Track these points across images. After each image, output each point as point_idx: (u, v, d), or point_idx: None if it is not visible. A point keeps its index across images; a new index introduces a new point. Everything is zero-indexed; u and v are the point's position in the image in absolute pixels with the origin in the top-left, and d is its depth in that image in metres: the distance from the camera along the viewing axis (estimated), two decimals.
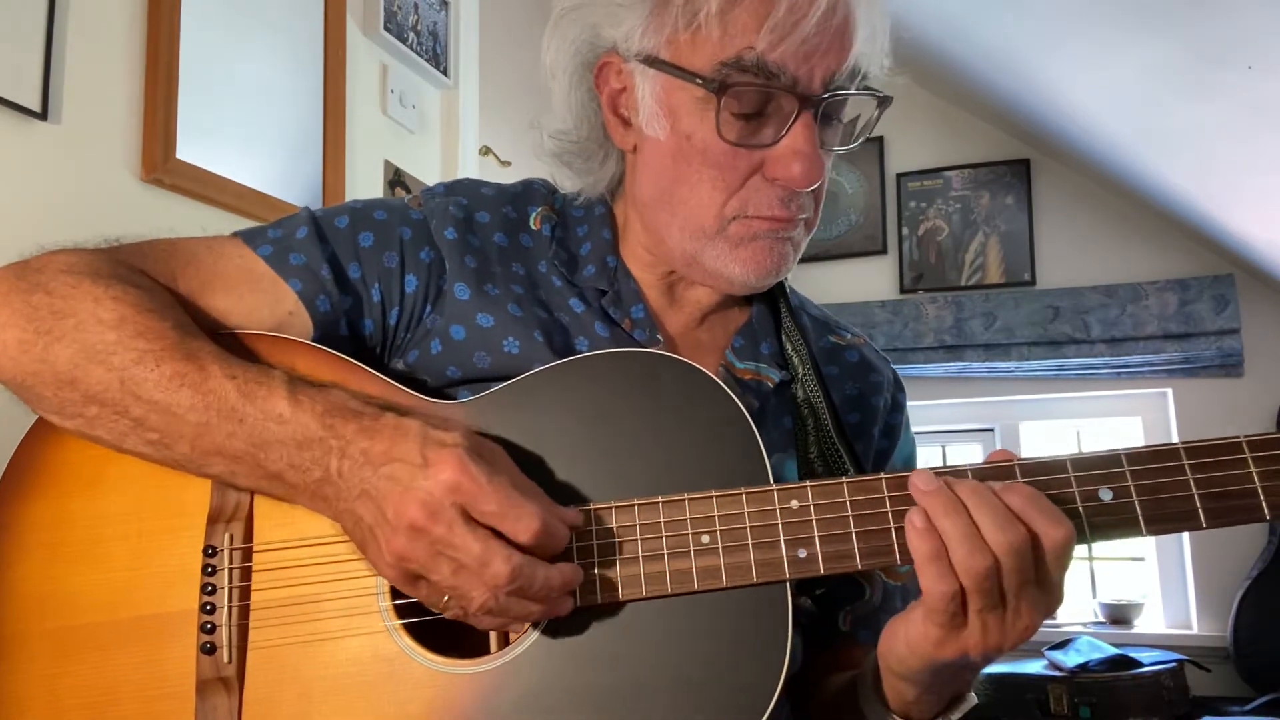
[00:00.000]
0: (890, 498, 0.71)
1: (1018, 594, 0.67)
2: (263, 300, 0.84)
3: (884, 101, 0.86)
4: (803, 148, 0.81)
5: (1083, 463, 0.70)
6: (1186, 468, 0.69)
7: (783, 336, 0.96)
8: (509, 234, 0.92)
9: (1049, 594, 0.68)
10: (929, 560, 0.67)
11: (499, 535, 0.68)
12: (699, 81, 0.81)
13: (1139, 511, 0.69)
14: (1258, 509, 0.68)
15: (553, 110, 0.93)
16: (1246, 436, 0.69)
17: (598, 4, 0.86)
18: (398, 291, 0.87)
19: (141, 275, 0.81)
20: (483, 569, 0.67)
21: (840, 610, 0.96)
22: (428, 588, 0.70)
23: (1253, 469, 0.68)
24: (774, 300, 0.98)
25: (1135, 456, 0.70)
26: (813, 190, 0.85)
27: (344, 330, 0.86)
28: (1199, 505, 0.68)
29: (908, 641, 0.71)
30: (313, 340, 0.84)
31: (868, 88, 0.85)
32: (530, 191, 0.96)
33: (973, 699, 0.79)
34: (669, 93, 0.84)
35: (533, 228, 0.93)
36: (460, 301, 0.87)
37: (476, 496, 0.67)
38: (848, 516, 0.72)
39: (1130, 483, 0.69)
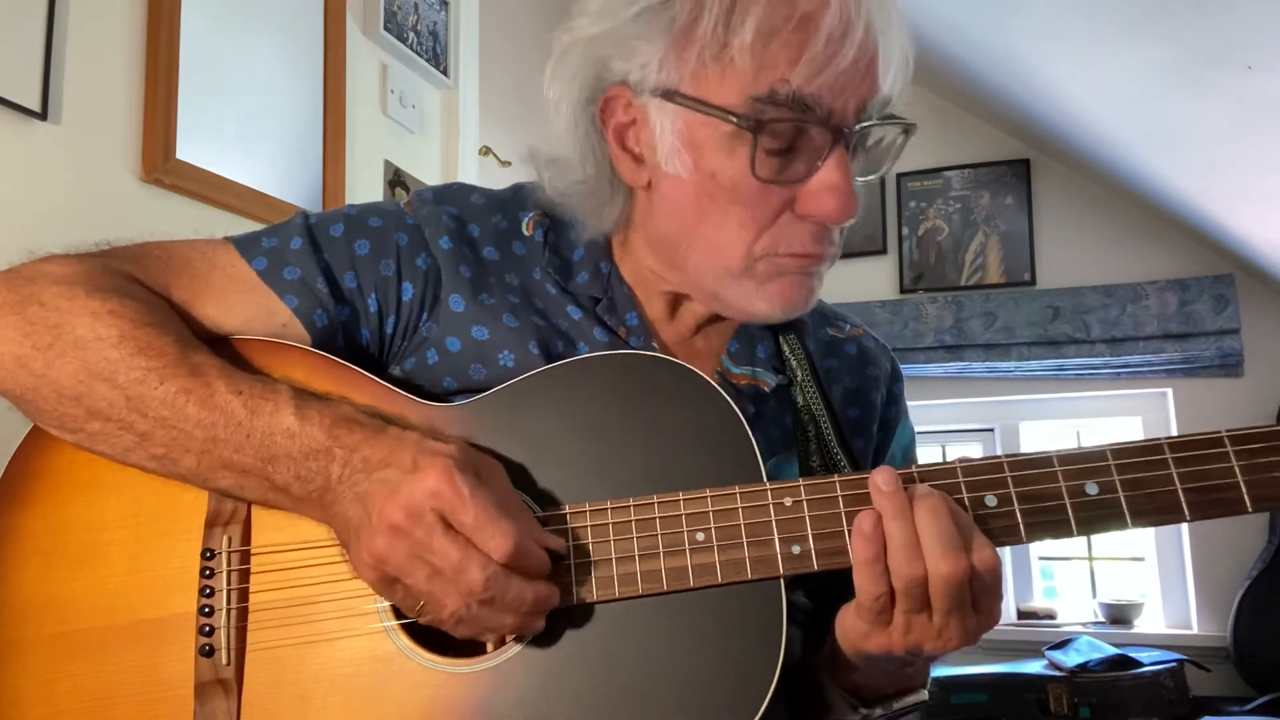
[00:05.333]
0: None
1: (946, 614, 0.70)
2: (256, 313, 0.83)
3: (910, 129, 0.83)
4: (838, 182, 0.78)
5: (1069, 458, 0.71)
6: (1170, 462, 0.70)
7: (779, 339, 0.95)
8: (500, 246, 0.90)
9: (982, 616, 0.72)
10: (867, 562, 0.70)
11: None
12: (732, 119, 0.76)
13: (1124, 505, 0.70)
14: (1240, 501, 0.69)
15: (553, 144, 0.90)
16: (1228, 430, 0.70)
17: (608, 36, 0.81)
18: (394, 300, 0.86)
19: (136, 284, 0.80)
20: (458, 576, 0.68)
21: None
22: (403, 592, 0.70)
23: (1234, 462, 0.69)
24: None
25: (1120, 451, 0.71)
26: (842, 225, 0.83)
27: (340, 342, 0.86)
28: (1182, 498, 0.70)
29: (841, 628, 0.75)
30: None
31: (893, 115, 0.82)
32: (521, 196, 0.94)
33: (922, 694, 0.83)
34: (691, 129, 0.79)
35: (525, 233, 0.91)
36: (455, 313, 0.86)
37: (456, 506, 0.68)
38: (840, 513, 0.72)
39: (1115, 477, 0.71)
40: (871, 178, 0.86)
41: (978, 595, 0.70)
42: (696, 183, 0.80)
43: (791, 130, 0.77)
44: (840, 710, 0.84)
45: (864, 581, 0.70)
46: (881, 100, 0.79)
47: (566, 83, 0.86)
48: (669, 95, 0.79)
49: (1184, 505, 0.69)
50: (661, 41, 0.79)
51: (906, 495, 0.70)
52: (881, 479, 0.71)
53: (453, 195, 0.92)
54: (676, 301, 0.91)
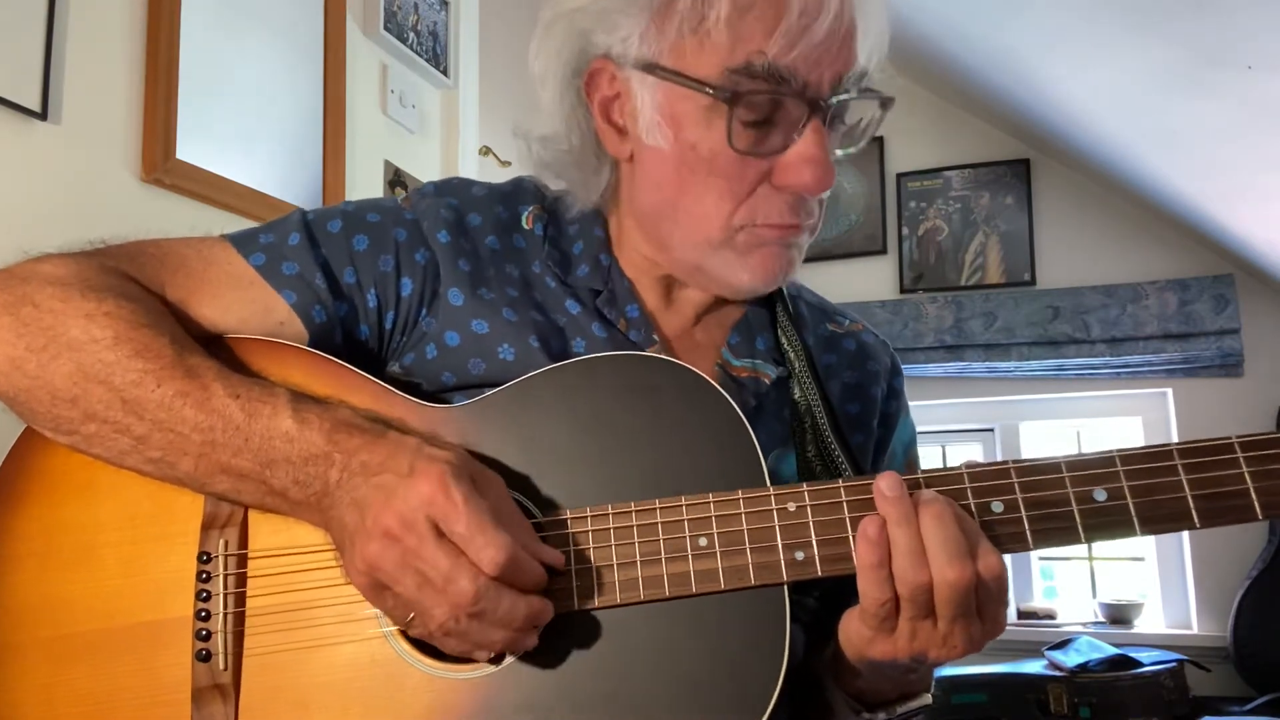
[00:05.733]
0: None
1: (951, 621, 0.69)
2: (253, 310, 0.83)
3: (887, 103, 0.85)
4: (815, 154, 0.80)
5: (1077, 464, 0.71)
6: (1180, 468, 0.69)
7: (779, 330, 0.95)
8: (501, 236, 0.90)
9: (987, 624, 0.71)
10: (872, 567, 0.69)
11: None
12: (709, 90, 0.78)
13: (1133, 512, 0.69)
14: (1250, 509, 0.68)
15: (541, 119, 0.91)
16: (1239, 437, 0.69)
17: (590, 9, 0.83)
18: (393, 295, 0.86)
19: (131, 284, 0.80)
20: (447, 585, 0.66)
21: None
22: (393, 600, 0.69)
23: (1245, 469, 0.68)
24: (769, 293, 0.96)
25: (1129, 457, 0.70)
26: (819, 196, 0.84)
27: (339, 339, 0.85)
28: (1192, 505, 0.69)
29: (845, 634, 0.74)
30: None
31: (870, 89, 0.83)
32: (521, 190, 0.95)
33: (926, 698, 0.82)
34: (671, 101, 0.81)
35: (525, 227, 0.92)
36: (454, 307, 0.86)
37: (450, 514, 0.67)
38: (844, 519, 0.72)
39: (1124, 483, 0.70)
40: (852, 150, 0.88)
41: (983, 603, 0.70)
42: (677, 154, 0.82)
43: (768, 102, 0.79)
44: (843, 714, 0.83)
45: (868, 587, 0.70)
46: (858, 73, 0.81)
47: (551, 56, 0.87)
48: (649, 68, 0.81)
49: (1194, 512, 0.68)
50: (642, 15, 0.81)
51: (911, 501, 0.70)
52: (886, 484, 0.70)
53: (453, 188, 0.93)
54: (671, 288, 0.92)
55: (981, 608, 0.70)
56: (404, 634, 0.75)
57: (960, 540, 0.68)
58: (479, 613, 0.67)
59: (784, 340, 0.94)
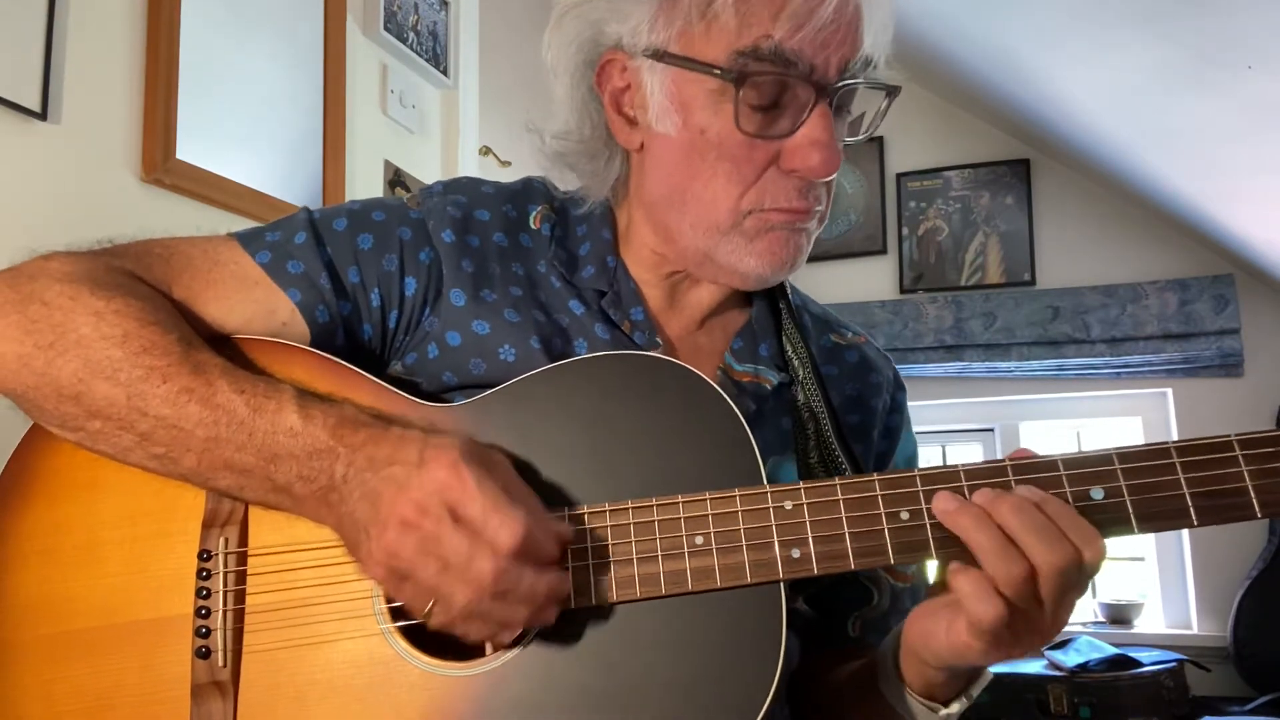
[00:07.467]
0: (883, 497, 0.71)
1: (1056, 602, 0.67)
2: (258, 310, 0.83)
3: (893, 92, 0.86)
4: (821, 137, 0.80)
5: (1074, 462, 0.70)
6: (1177, 466, 0.68)
7: (783, 338, 0.95)
8: (508, 233, 0.91)
9: (1080, 594, 0.69)
10: (994, 549, 0.67)
11: None
12: (716, 72, 0.79)
13: (1130, 510, 0.69)
14: (1249, 507, 0.67)
15: (553, 111, 0.92)
16: (1237, 435, 0.69)
17: (601, 0, 0.85)
18: (397, 294, 0.86)
19: (138, 282, 0.80)
20: (467, 568, 0.67)
21: (849, 617, 0.96)
22: (413, 589, 0.69)
23: (1243, 467, 0.68)
24: (774, 300, 0.97)
25: (1126, 455, 0.69)
26: (826, 181, 0.84)
27: (340, 339, 0.86)
28: (1190, 504, 0.68)
29: (951, 647, 0.71)
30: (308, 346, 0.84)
31: (877, 78, 0.84)
32: (530, 190, 0.95)
33: (989, 675, 0.81)
34: (680, 86, 0.82)
35: (532, 227, 0.92)
36: (456, 308, 0.86)
37: (463, 498, 0.67)
38: (841, 517, 0.72)
39: (1121, 482, 0.69)
40: (860, 138, 0.89)
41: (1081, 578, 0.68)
42: (686, 140, 0.83)
43: (775, 85, 0.80)
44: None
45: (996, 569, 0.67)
46: (864, 59, 0.82)
47: (563, 49, 0.88)
48: (659, 55, 0.82)
49: (1191, 511, 0.68)
50: (650, 2, 0.82)
51: (980, 505, 0.68)
52: (940, 506, 0.69)
53: (462, 186, 0.94)
54: (677, 290, 0.92)
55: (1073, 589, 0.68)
56: (403, 632, 0.75)
57: (1047, 524, 0.67)
58: (501, 592, 0.67)
59: (789, 347, 0.94)
